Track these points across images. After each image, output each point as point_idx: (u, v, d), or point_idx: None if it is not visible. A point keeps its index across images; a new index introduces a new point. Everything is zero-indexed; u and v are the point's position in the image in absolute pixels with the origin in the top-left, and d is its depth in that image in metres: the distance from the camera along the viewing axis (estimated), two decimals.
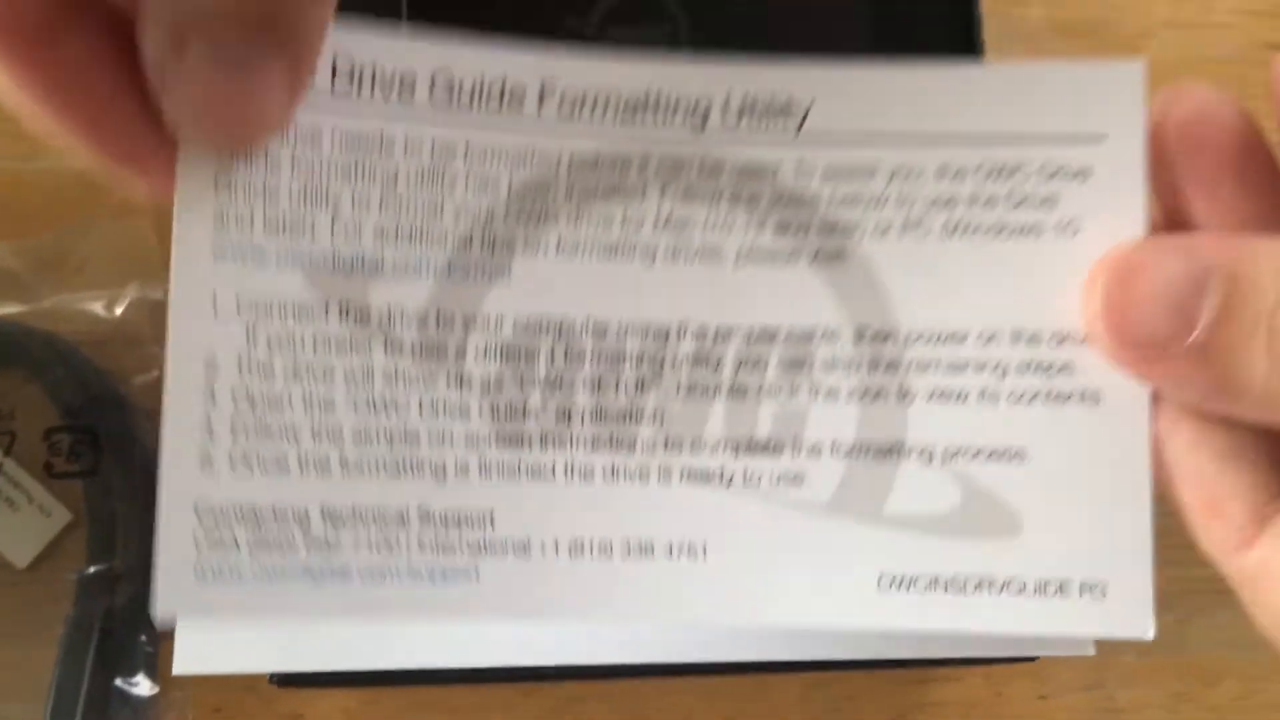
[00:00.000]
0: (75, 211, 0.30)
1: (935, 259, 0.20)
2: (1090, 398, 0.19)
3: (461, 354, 0.19)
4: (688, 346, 0.20)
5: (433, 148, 0.19)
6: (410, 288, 0.19)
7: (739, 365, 0.20)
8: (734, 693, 0.29)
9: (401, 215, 0.19)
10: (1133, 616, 0.19)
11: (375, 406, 0.19)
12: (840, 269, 0.20)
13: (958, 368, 0.20)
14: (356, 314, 0.19)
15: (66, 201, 0.30)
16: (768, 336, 0.20)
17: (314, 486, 0.18)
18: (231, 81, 0.16)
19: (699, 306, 0.20)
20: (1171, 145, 0.19)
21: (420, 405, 0.19)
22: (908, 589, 0.19)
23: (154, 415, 0.28)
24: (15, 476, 0.29)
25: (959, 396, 0.19)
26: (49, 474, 0.29)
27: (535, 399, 0.19)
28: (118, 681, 0.27)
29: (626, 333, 0.19)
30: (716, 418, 0.20)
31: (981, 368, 0.19)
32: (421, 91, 0.19)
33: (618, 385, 0.19)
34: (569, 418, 0.19)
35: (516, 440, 0.19)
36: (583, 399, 0.19)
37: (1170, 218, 0.19)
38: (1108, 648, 0.29)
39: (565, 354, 0.19)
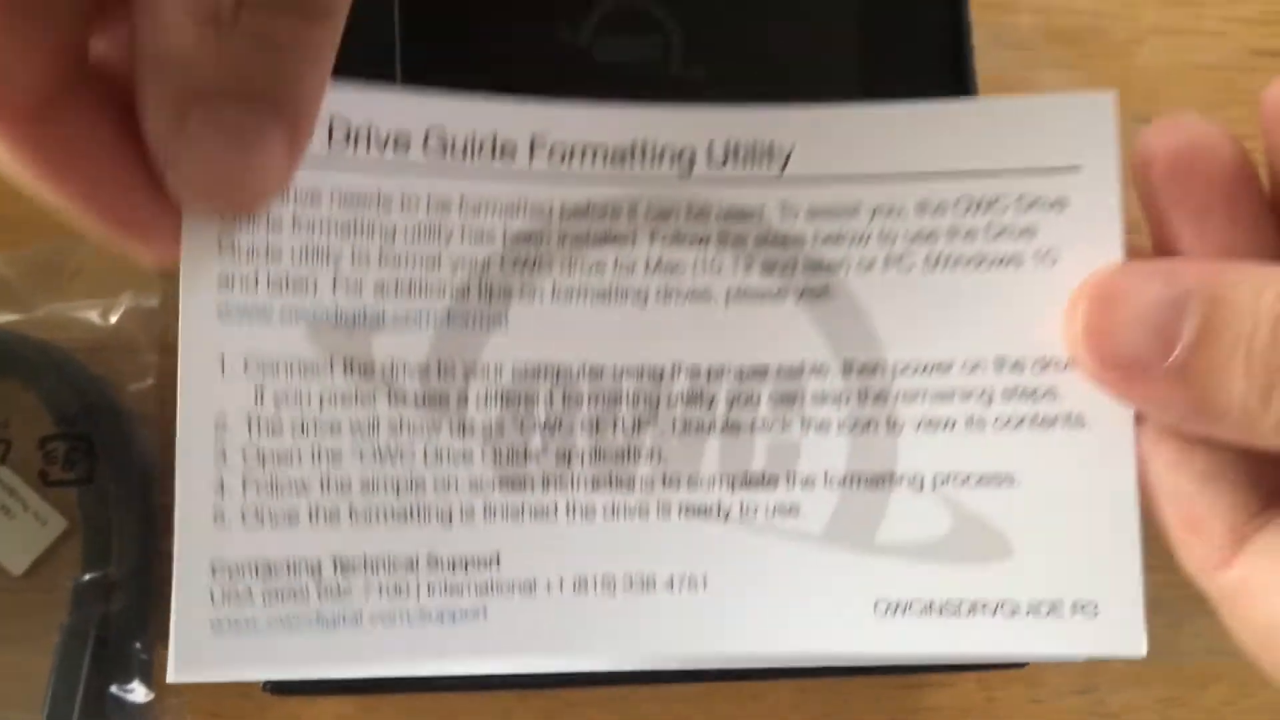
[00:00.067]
0: (69, 220, 0.30)
1: (919, 292, 0.20)
2: (1075, 421, 0.20)
3: (463, 401, 0.20)
4: (682, 385, 0.20)
5: (428, 202, 0.20)
6: (411, 339, 0.19)
7: (732, 402, 0.20)
8: (728, 698, 0.29)
9: (400, 269, 0.19)
10: (1124, 635, 0.19)
11: (381, 456, 0.19)
12: (827, 305, 0.20)
13: (944, 396, 0.20)
14: (360, 367, 0.19)
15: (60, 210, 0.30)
16: (759, 373, 0.20)
17: (325, 536, 0.19)
18: (233, 152, 0.16)
19: (691, 346, 0.20)
20: (1163, 174, 0.19)
21: (425, 453, 0.19)
22: (904, 614, 0.20)
23: (149, 422, 0.29)
24: (11, 484, 0.29)
25: (947, 424, 0.20)
26: (44, 482, 0.29)
27: (536, 442, 0.20)
28: (113, 688, 0.28)
29: (622, 374, 0.20)
30: (712, 453, 0.20)
31: (968, 396, 0.20)
32: (416, 148, 0.20)
33: (615, 425, 0.20)
34: (569, 459, 0.20)
35: (519, 483, 0.20)
36: (582, 440, 0.20)
37: (1159, 246, 0.20)
38: None
39: (563, 397, 0.20)
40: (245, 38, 0.15)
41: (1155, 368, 0.18)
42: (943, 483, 0.20)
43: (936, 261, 0.20)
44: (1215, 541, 0.19)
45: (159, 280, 0.30)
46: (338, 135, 0.19)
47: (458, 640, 0.19)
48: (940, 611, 0.20)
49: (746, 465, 0.20)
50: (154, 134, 0.16)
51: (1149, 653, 0.20)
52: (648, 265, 0.20)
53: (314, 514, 0.19)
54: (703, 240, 0.20)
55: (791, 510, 0.20)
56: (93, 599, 0.28)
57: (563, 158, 0.20)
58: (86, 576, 0.28)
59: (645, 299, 0.20)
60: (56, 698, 0.27)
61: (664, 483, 0.20)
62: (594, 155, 0.20)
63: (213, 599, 0.18)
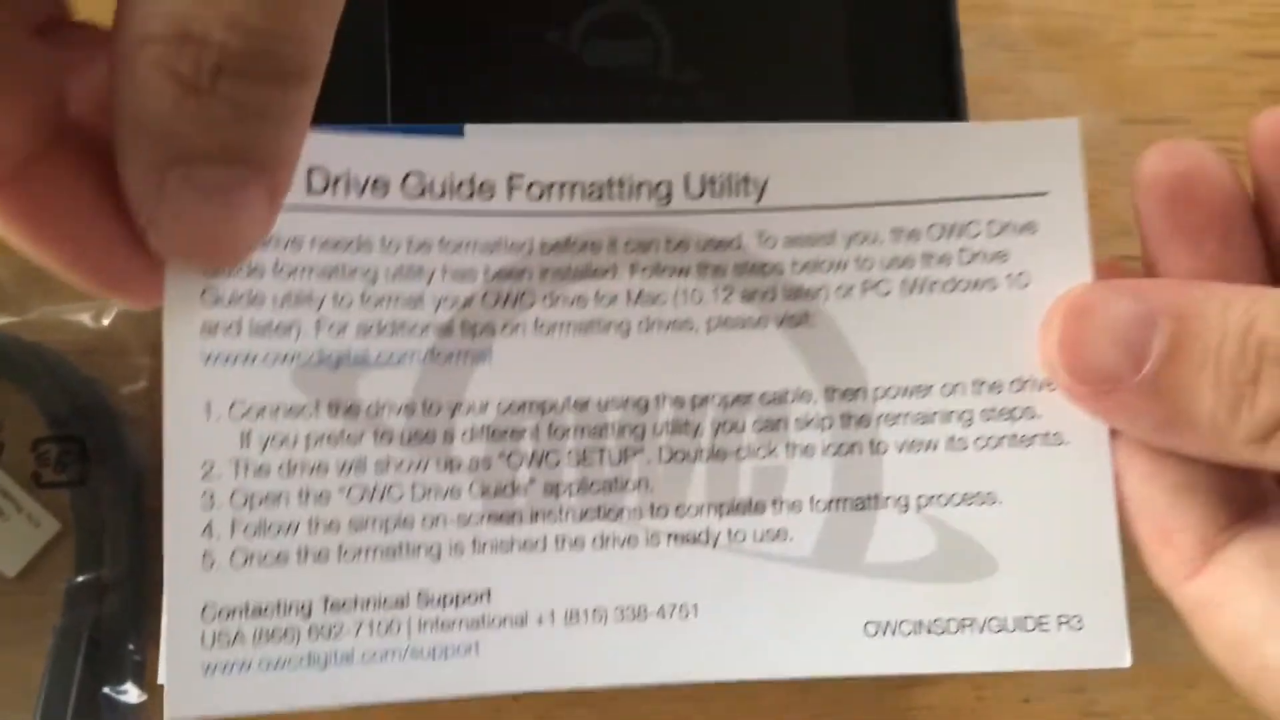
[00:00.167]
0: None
1: (896, 316, 0.21)
2: (1053, 439, 0.20)
3: (449, 438, 0.20)
4: (667, 415, 0.20)
5: (408, 243, 0.20)
6: (396, 378, 0.20)
7: (717, 429, 0.21)
8: (723, 697, 0.30)
9: (383, 309, 0.20)
10: (1109, 646, 0.20)
11: (369, 495, 0.19)
12: (807, 332, 0.21)
13: (925, 419, 0.21)
14: (346, 408, 0.20)
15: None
16: (743, 400, 0.21)
17: (314, 576, 0.19)
18: (213, 211, 0.17)
19: (675, 376, 0.21)
20: (1161, 199, 0.20)
21: (413, 490, 0.20)
22: (893, 634, 0.20)
23: (141, 424, 0.29)
24: (4, 486, 0.29)
25: (929, 446, 0.21)
26: (37, 484, 0.29)
27: (523, 475, 0.20)
28: (106, 689, 0.28)
29: (607, 405, 0.20)
30: (699, 481, 0.20)
31: (948, 417, 0.21)
32: (394, 190, 0.20)
33: (602, 456, 0.20)
34: (557, 491, 0.20)
35: (507, 517, 0.20)
36: (569, 472, 0.20)
37: (1151, 266, 0.20)
38: None
39: (549, 430, 0.20)
40: (224, 104, 0.15)
41: (1127, 382, 0.18)
42: (927, 503, 0.21)
43: (913, 286, 0.21)
44: (1185, 553, 0.19)
45: None
46: (316, 182, 0.20)
47: (450, 674, 0.19)
48: (929, 630, 0.20)
49: (733, 492, 0.20)
50: (135, 195, 0.17)
51: (1138, 652, 0.20)
52: (629, 297, 0.21)
53: (303, 554, 0.19)
54: (682, 271, 0.21)
55: (779, 535, 0.20)
56: (86, 600, 0.28)
57: (541, 194, 0.21)
58: (79, 578, 0.28)
59: (628, 330, 0.21)
60: (49, 699, 0.27)
61: (652, 512, 0.20)
62: (572, 190, 0.21)
63: (203, 642, 0.19)
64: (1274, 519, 0.19)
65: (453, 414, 0.20)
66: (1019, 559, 0.20)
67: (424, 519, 0.20)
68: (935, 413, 0.21)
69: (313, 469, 0.19)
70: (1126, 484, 0.20)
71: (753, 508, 0.20)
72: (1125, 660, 0.20)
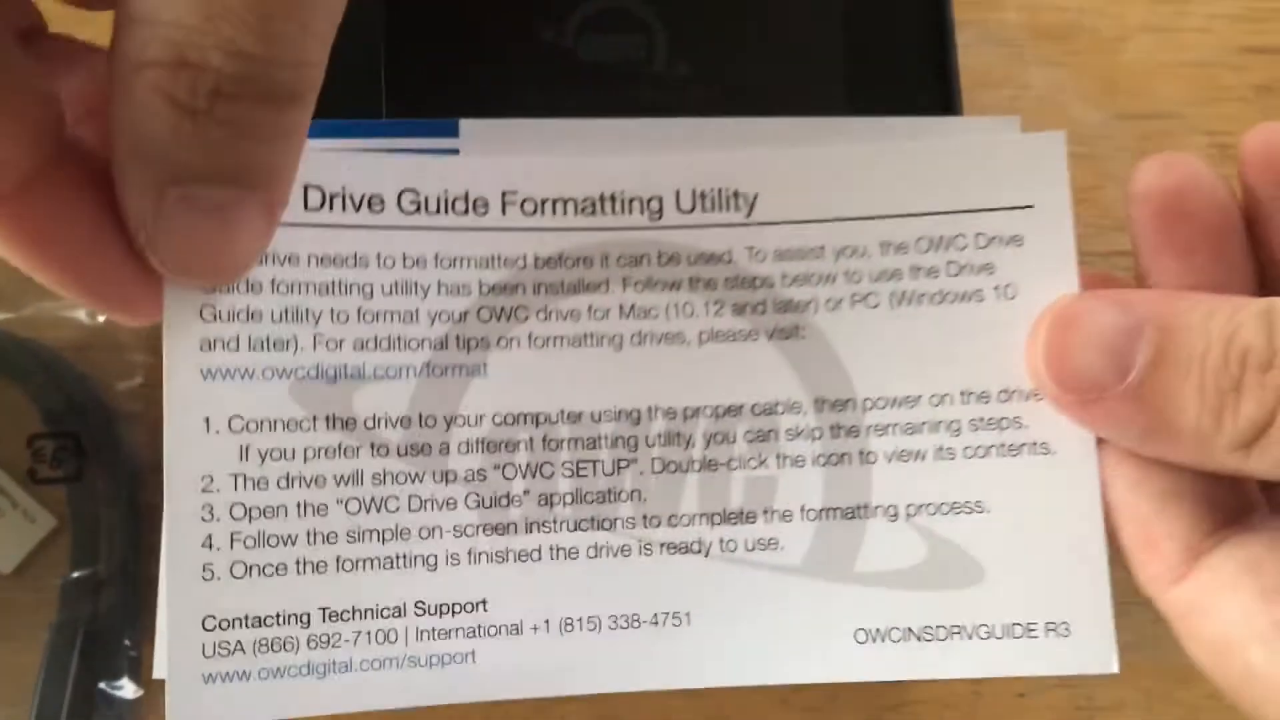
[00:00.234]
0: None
1: (885, 328, 0.21)
2: (1040, 448, 0.21)
3: (445, 450, 0.20)
4: (659, 426, 0.21)
5: (404, 259, 0.20)
6: (392, 392, 0.20)
7: (709, 441, 0.21)
8: (714, 694, 0.30)
9: (379, 325, 0.20)
10: (1096, 653, 0.20)
11: (366, 507, 0.20)
12: (797, 344, 0.21)
13: (914, 429, 0.21)
14: (343, 422, 0.20)
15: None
16: (734, 412, 0.21)
17: (313, 587, 0.20)
18: (211, 230, 0.17)
19: (667, 388, 0.21)
20: (1155, 212, 0.20)
21: (409, 502, 0.20)
22: (884, 641, 0.21)
23: (136, 420, 0.29)
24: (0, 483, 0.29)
25: (917, 456, 0.21)
26: (33, 480, 0.29)
27: (518, 487, 0.20)
28: (102, 685, 0.28)
29: (600, 418, 0.21)
30: (691, 491, 0.21)
31: (936, 427, 0.21)
32: (390, 207, 0.20)
33: (595, 468, 0.21)
34: (551, 502, 0.21)
35: (503, 527, 0.20)
36: (563, 483, 0.21)
37: (1143, 277, 0.21)
38: None
39: (544, 442, 0.21)
40: (221, 126, 0.16)
41: (1112, 390, 0.19)
42: (916, 512, 0.21)
43: (901, 298, 0.21)
44: (1170, 560, 0.19)
45: None
46: (313, 199, 0.20)
47: (447, 682, 0.20)
48: (919, 637, 0.21)
49: (725, 502, 0.21)
50: (134, 214, 0.17)
51: (1133, 648, 0.21)
52: (621, 311, 0.21)
53: (302, 565, 0.20)
54: (674, 285, 0.21)
55: (771, 544, 0.21)
56: (81, 596, 0.28)
57: (534, 210, 0.21)
58: (75, 574, 0.28)
59: (620, 344, 0.21)
60: (45, 695, 0.27)
61: (645, 522, 0.21)
62: (565, 206, 0.21)
63: (204, 652, 0.19)
64: (1259, 526, 0.20)
65: (448, 427, 0.20)
66: (1007, 567, 0.21)
67: (420, 530, 0.20)
68: (924, 423, 0.21)
69: (311, 482, 0.20)
70: (1112, 492, 0.20)
71: (744, 517, 0.21)
72: (1113, 666, 0.20)
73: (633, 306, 0.21)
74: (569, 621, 0.20)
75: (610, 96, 0.26)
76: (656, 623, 0.20)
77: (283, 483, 0.20)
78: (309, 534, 0.20)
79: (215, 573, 0.19)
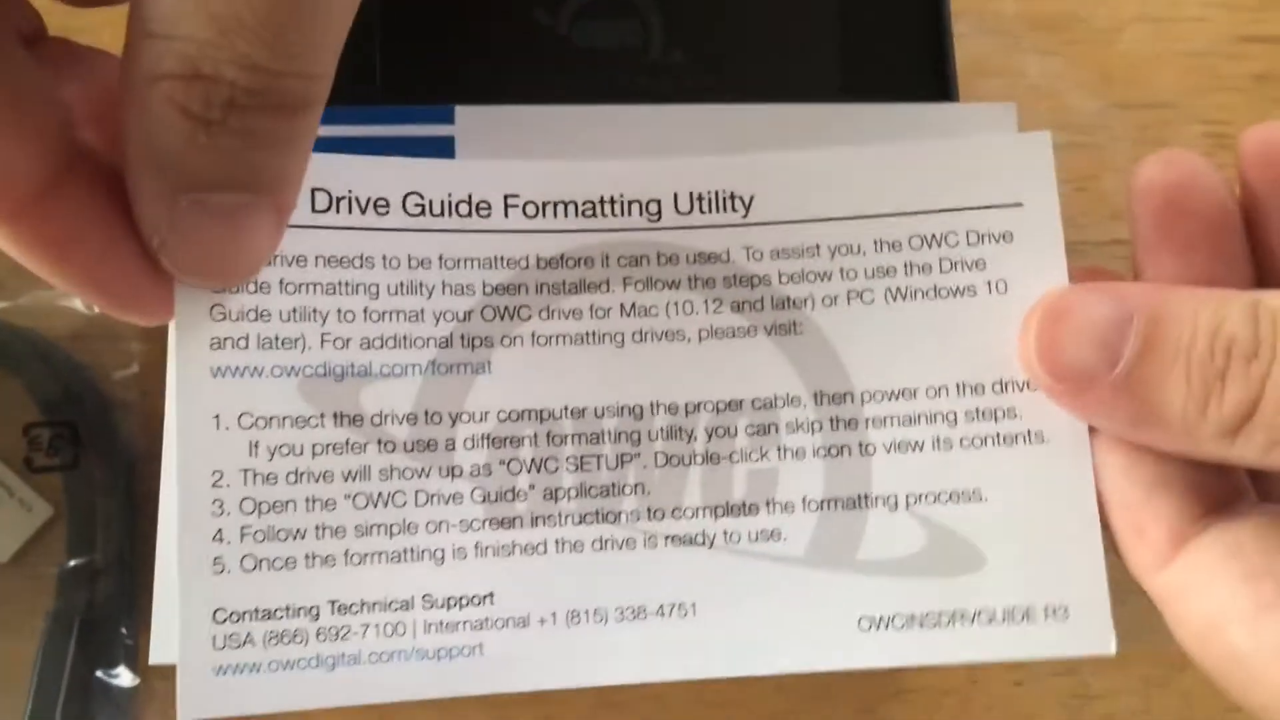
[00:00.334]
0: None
1: (881, 323, 0.22)
2: (1035, 437, 0.21)
3: (451, 446, 0.21)
4: (661, 421, 0.21)
5: (409, 260, 0.21)
6: (398, 389, 0.21)
7: (711, 435, 0.21)
8: (712, 681, 0.30)
9: (385, 324, 0.21)
10: (1095, 635, 0.21)
11: (374, 501, 0.20)
12: (795, 340, 0.22)
13: (912, 420, 0.22)
14: (350, 418, 0.20)
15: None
16: (734, 406, 0.22)
17: (322, 580, 0.20)
18: (223, 234, 0.18)
19: (668, 384, 0.21)
20: (1156, 209, 0.21)
21: (416, 496, 0.20)
22: (886, 628, 0.21)
23: (133, 409, 0.29)
24: None
25: (915, 446, 0.21)
26: (29, 469, 0.29)
27: (523, 481, 0.21)
28: (99, 673, 0.28)
29: (603, 413, 0.21)
30: (694, 484, 0.21)
31: (933, 419, 0.22)
32: (395, 209, 0.21)
33: (599, 462, 0.21)
34: (556, 496, 0.21)
35: (509, 521, 0.21)
36: (568, 478, 0.21)
37: (1141, 272, 0.21)
38: None
39: (548, 437, 0.21)
40: (234, 136, 0.16)
41: (1102, 379, 0.19)
42: (915, 501, 0.21)
43: (896, 294, 0.22)
44: (1157, 545, 0.20)
45: None
46: (320, 202, 0.21)
47: (455, 675, 0.20)
48: (921, 623, 0.21)
49: (728, 494, 0.21)
50: (147, 220, 0.18)
51: (1130, 636, 0.21)
52: (622, 309, 0.22)
53: (311, 559, 0.20)
54: (674, 283, 0.22)
55: (773, 535, 0.21)
56: (78, 585, 0.28)
57: (535, 212, 0.22)
58: (72, 563, 0.28)
59: (622, 341, 0.21)
60: (42, 683, 0.27)
61: (649, 515, 0.21)
62: (565, 209, 0.22)
63: (214, 644, 0.19)
64: (1245, 512, 0.20)
65: (454, 423, 0.21)
66: (1005, 553, 0.21)
67: (427, 524, 0.20)
68: (921, 414, 0.22)
69: (319, 477, 0.20)
70: (1103, 479, 0.21)
71: (747, 509, 0.21)
72: (1110, 648, 0.21)
73: (633, 305, 0.22)
74: (575, 614, 0.21)
75: (605, 83, 0.26)
76: (662, 614, 0.21)
77: (291, 478, 0.20)
78: (317, 528, 0.20)
79: (226, 566, 0.19)
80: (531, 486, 0.21)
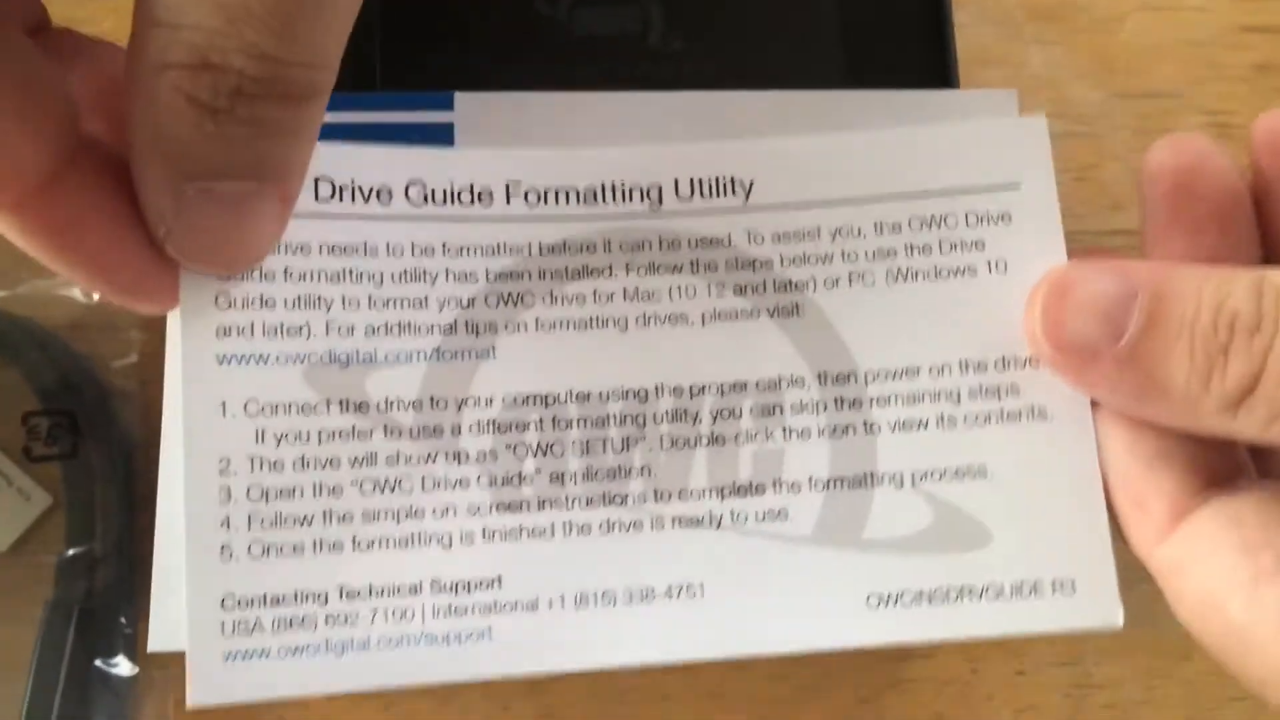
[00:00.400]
0: None
1: (883, 304, 0.22)
2: (1038, 414, 0.22)
3: (457, 432, 0.21)
4: (666, 404, 0.22)
5: (412, 248, 0.21)
6: (404, 376, 0.21)
7: (716, 416, 0.22)
8: (712, 671, 0.30)
9: (389, 311, 0.21)
10: (1102, 608, 0.21)
11: (381, 487, 0.20)
12: (798, 322, 0.22)
13: (916, 399, 0.22)
14: (356, 405, 0.21)
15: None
16: (739, 388, 0.22)
17: (329, 566, 0.20)
18: (229, 222, 0.18)
19: (673, 367, 0.22)
20: (1166, 191, 0.21)
21: (422, 482, 0.21)
22: (895, 605, 0.21)
23: (131, 398, 0.29)
24: None
25: (920, 425, 0.22)
26: (28, 458, 0.29)
27: (529, 466, 0.21)
28: (97, 662, 0.28)
29: (608, 397, 0.21)
30: (700, 466, 0.21)
31: (937, 397, 0.22)
32: (398, 198, 0.21)
33: (605, 445, 0.21)
34: (562, 480, 0.21)
35: (515, 505, 0.21)
36: (573, 462, 0.21)
37: (1149, 256, 0.22)
38: None
39: (553, 422, 0.21)
40: (241, 124, 0.16)
41: (1106, 353, 0.20)
42: (921, 479, 0.22)
43: (897, 275, 0.22)
44: (1158, 519, 0.20)
45: None
46: (323, 191, 0.21)
47: (464, 659, 0.20)
48: (930, 600, 0.21)
49: (734, 475, 0.21)
50: (153, 208, 0.18)
51: (1132, 625, 0.21)
52: (625, 294, 0.22)
53: (318, 545, 0.20)
54: (676, 268, 0.22)
55: (780, 515, 0.21)
56: (77, 574, 0.28)
57: (537, 199, 0.22)
58: (70, 551, 0.28)
59: (625, 326, 0.22)
60: (40, 673, 0.27)
61: (656, 497, 0.21)
62: (566, 196, 0.22)
63: (223, 631, 0.19)
64: (1245, 487, 0.20)
65: (459, 409, 0.21)
66: (1012, 528, 0.21)
67: (434, 510, 0.21)
68: (925, 393, 0.22)
69: (326, 463, 0.20)
70: (1104, 454, 0.21)
71: (753, 490, 0.21)
72: (1118, 620, 0.21)
73: (636, 290, 0.22)
74: (583, 597, 0.21)
75: (605, 70, 0.26)
76: (671, 595, 0.21)
77: (298, 465, 0.20)
78: (325, 514, 0.20)
79: (233, 553, 0.20)
80: (538, 471, 0.21)
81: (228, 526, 0.20)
